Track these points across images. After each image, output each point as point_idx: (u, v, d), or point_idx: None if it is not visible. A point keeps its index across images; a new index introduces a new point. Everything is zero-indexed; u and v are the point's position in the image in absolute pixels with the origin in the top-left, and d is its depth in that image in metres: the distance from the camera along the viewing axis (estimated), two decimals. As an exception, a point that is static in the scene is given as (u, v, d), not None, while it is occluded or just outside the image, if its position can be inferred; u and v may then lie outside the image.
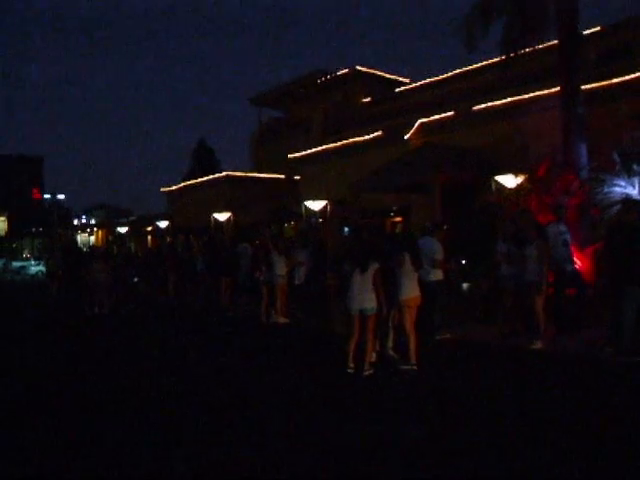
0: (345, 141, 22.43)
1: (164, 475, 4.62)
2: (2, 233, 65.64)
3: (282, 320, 12.48)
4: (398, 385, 7.12)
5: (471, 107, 17.50)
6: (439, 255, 9.43)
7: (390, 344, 8.36)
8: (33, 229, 63.38)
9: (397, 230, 19.74)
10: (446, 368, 7.89)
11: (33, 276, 37.86)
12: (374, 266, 7.43)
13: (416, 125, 18.85)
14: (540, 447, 4.81)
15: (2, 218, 67.12)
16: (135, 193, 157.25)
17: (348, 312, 7.65)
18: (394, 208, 20.07)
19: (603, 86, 14.26)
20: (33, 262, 42.95)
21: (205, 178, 31.35)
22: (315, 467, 4.61)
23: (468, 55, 14.27)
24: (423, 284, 8.65)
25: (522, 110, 15.77)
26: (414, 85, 24.91)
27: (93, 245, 44.02)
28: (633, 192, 10.77)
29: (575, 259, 10.06)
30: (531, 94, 15.75)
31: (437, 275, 9.50)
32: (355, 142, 21.80)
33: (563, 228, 9.66)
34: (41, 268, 37.28)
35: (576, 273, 9.91)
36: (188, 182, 33.43)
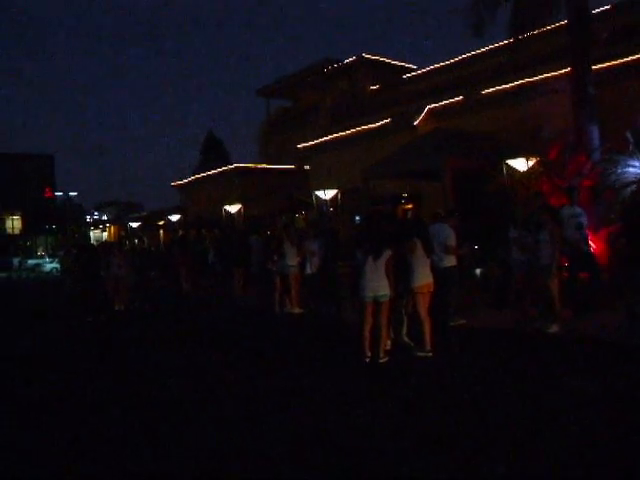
0: (354, 129, 22.35)
1: (176, 469, 4.64)
2: (16, 231, 66.14)
3: (296, 310, 12.51)
4: (414, 372, 7.10)
5: (480, 91, 17.35)
6: (452, 241, 9.37)
7: (404, 331, 8.35)
8: (47, 227, 63.81)
9: (408, 217, 19.70)
10: (461, 355, 7.85)
11: (48, 273, 38.20)
12: (387, 252, 7.42)
13: (425, 111, 18.75)
14: (561, 435, 4.77)
15: (16, 217, 67.59)
16: (146, 188, 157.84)
17: (361, 300, 7.63)
18: (404, 195, 19.98)
19: (614, 65, 14.09)
20: (47, 259, 43.32)
21: (215, 171, 31.40)
22: (329, 456, 4.62)
23: (476, 39, 14.04)
24: (436, 270, 8.60)
25: (532, 93, 15.60)
26: (422, 71, 24.72)
27: (105, 240, 44.26)
28: (647, 172, 10.65)
29: (590, 242, 9.97)
30: (541, 76, 15.59)
31: (450, 261, 9.44)
32: (364, 130, 21.71)
33: (578, 210, 9.56)
34: (55, 265, 37.61)
35: (591, 256, 9.82)
36: (198, 175, 33.50)
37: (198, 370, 7.94)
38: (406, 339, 8.23)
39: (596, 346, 7.74)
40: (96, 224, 61.76)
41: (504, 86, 16.64)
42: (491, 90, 16.96)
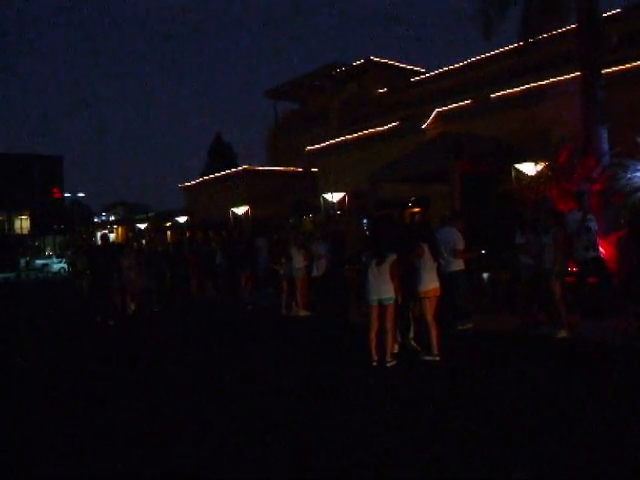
0: (362, 132, 22.32)
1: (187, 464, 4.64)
2: (25, 231, 66.44)
3: (302, 313, 12.49)
4: (421, 376, 7.07)
5: (488, 95, 17.29)
6: (460, 245, 9.35)
7: (412, 335, 8.32)
8: (55, 227, 64.07)
9: (415, 220, 19.66)
10: (469, 359, 7.81)
11: (56, 273, 38.37)
12: (391, 257, 7.43)
13: (433, 114, 18.69)
14: (568, 438, 4.74)
15: (24, 217, 67.91)
16: (153, 190, 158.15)
17: (367, 303, 7.65)
18: (412, 199, 19.93)
19: (624, 69, 13.99)
20: (55, 259, 43.52)
21: (222, 173, 31.43)
22: (334, 460, 4.59)
23: (485, 42, 13.99)
24: (444, 274, 8.59)
25: (541, 96, 15.54)
26: (430, 74, 24.68)
27: (113, 241, 44.34)
28: (657, 177, 10.57)
29: (599, 246, 9.90)
30: (550, 80, 15.51)
31: (458, 265, 9.42)
32: (372, 133, 21.69)
33: (586, 215, 9.50)
34: (63, 265, 37.79)
35: (600, 261, 9.76)
36: (206, 177, 33.54)
37: (203, 370, 7.94)
38: (413, 343, 8.21)
39: (604, 351, 7.69)
40: (104, 225, 61.90)
41: (513, 89, 16.57)
42: (500, 93, 16.89)
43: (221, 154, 48.03)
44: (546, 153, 12.85)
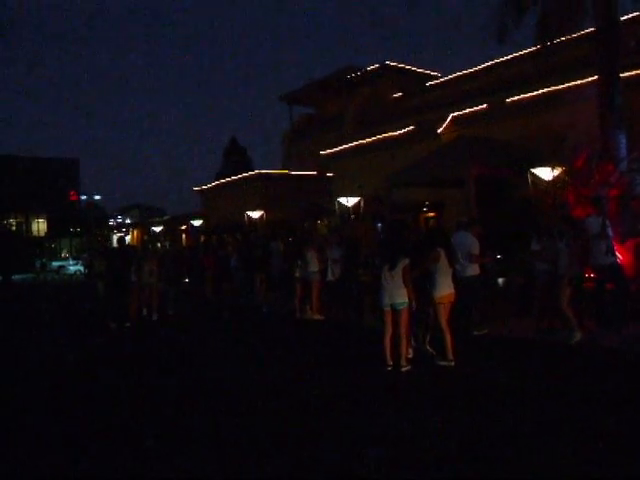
0: (377, 136, 22.32)
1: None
2: (42, 234, 67.10)
3: (316, 316, 12.51)
4: (435, 381, 7.04)
5: (504, 99, 17.24)
6: (475, 250, 9.31)
7: (427, 340, 8.30)
8: (71, 229, 64.63)
9: (430, 225, 19.61)
10: (484, 364, 7.77)
11: (72, 275, 38.67)
12: (404, 261, 7.43)
13: (449, 119, 18.66)
14: (581, 445, 4.70)
15: (42, 219, 68.59)
16: (168, 193, 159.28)
17: (380, 308, 7.67)
18: (427, 203, 19.90)
19: (642, 74, 13.88)
20: (71, 262, 43.88)
21: (238, 176, 31.56)
22: (346, 464, 4.59)
23: (500, 46, 13.96)
24: (460, 279, 8.56)
25: (558, 101, 15.46)
26: (445, 79, 24.64)
27: (129, 244, 44.67)
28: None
29: (616, 252, 9.82)
30: (567, 84, 15.43)
31: (473, 270, 9.38)
32: (387, 137, 21.68)
33: (604, 221, 9.42)
34: (79, 267, 38.08)
35: (617, 267, 9.67)
36: (221, 181, 33.70)
37: (217, 373, 7.97)
38: (429, 348, 8.18)
39: (619, 358, 7.63)
40: (119, 227, 62.34)
41: (529, 94, 16.51)
42: (516, 98, 16.83)
43: (236, 158, 48.20)
44: (563, 158, 12.78)
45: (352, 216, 22.10)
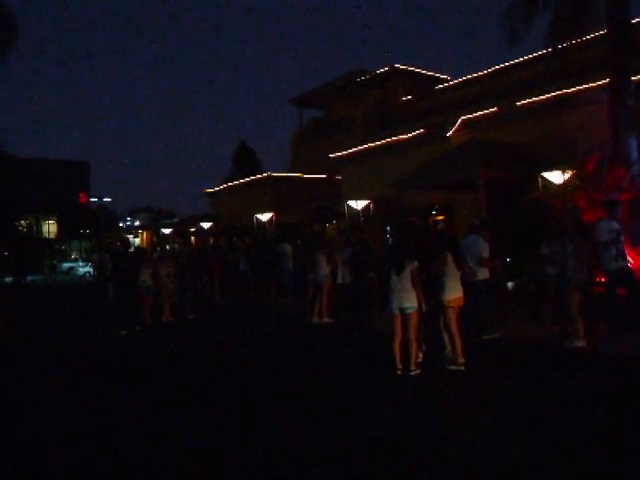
0: (387, 139, 22.30)
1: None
2: (52, 235, 67.49)
3: (326, 319, 12.50)
4: (443, 386, 7.01)
5: (515, 102, 17.17)
6: (485, 253, 9.26)
7: (449, 348, 8.13)
8: (81, 231, 64.98)
9: (439, 228, 19.56)
10: (494, 368, 7.72)
11: (81, 277, 38.84)
12: (412, 265, 7.40)
13: (458, 122, 18.61)
14: (589, 450, 4.67)
15: (52, 221, 69.01)
16: (178, 195, 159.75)
17: (389, 312, 7.64)
18: (436, 206, 19.87)
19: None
20: (81, 263, 44.07)
21: (247, 179, 31.63)
22: (354, 467, 4.58)
23: (510, 49, 13.96)
24: (469, 283, 8.52)
25: (569, 104, 15.38)
26: (455, 81, 24.60)
27: (138, 245, 44.87)
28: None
29: (628, 257, 9.76)
30: (578, 87, 15.35)
31: (483, 274, 9.34)
32: (397, 140, 21.65)
33: (615, 225, 9.37)
34: (89, 269, 38.25)
35: (629, 271, 9.61)
36: (230, 183, 33.77)
37: (228, 376, 7.98)
38: (449, 353, 8.01)
39: (630, 363, 7.56)
40: (129, 230, 62.66)
41: (540, 97, 16.43)
42: (526, 101, 16.76)
43: (246, 160, 48.31)
44: (574, 161, 12.72)
45: (361, 218, 22.09)
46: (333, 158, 25.20)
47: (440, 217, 20.34)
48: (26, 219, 67.83)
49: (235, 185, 32.44)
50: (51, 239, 65.97)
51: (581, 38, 13.30)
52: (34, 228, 67.41)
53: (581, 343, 8.37)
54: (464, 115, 18.58)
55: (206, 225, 32.37)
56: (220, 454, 5.03)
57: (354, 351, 9.43)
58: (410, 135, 21.03)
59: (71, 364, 9.50)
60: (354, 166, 23.72)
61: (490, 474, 4.35)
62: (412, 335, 7.41)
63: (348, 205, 22.17)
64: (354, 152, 24.01)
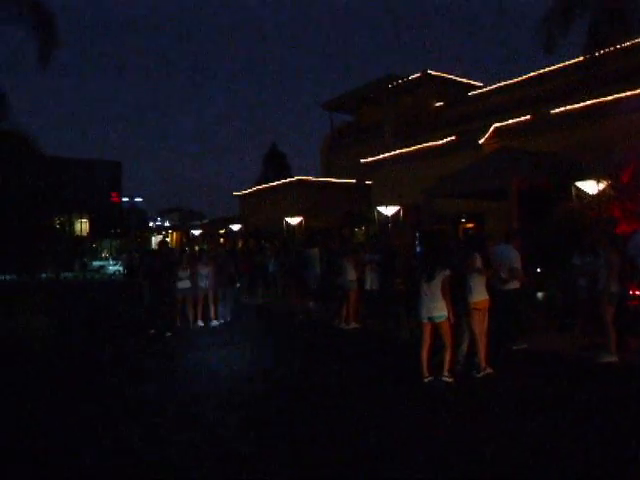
0: (418, 146, 22.19)
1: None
2: (84, 234, 68.62)
3: (353, 325, 12.48)
4: (467, 394, 6.95)
5: (548, 110, 16.95)
6: (517, 263, 9.14)
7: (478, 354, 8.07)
8: (112, 230, 65.96)
9: (469, 234, 19.38)
10: (520, 379, 7.61)
11: (111, 275, 39.39)
12: (444, 273, 7.33)
13: (491, 130, 18.44)
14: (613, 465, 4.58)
15: (84, 220, 70.19)
16: (207, 197, 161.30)
17: (418, 320, 7.59)
18: (464, 215, 19.73)
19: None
20: (111, 262, 44.71)
21: (277, 182, 31.76)
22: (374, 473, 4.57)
23: (546, 56, 13.78)
24: (499, 293, 8.44)
25: (604, 113, 15.13)
26: (488, 88, 24.38)
27: (165, 241, 45.19)
28: None
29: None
30: (614, 96, 15.09)
31: (514, 283, 9.22)
32: (428, 147, 21.53)
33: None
34: (118, 268, 38.81)
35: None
36: (260, 186, 33.96)
37: (254, 380, 8.02)
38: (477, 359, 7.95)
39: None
40: (159, 230, 63.40)
41: (575, 105, 16.19)
42: (561, 109, 16.53)
43: (276, 164, 48.56)
44: (609, 171, 12.50)
45: (389, 224, 22.01)
46: (363, 163, 25.16)
47: (470, 225, 20.18)
48: (60, 217, 69.16)
49: (265, 188, 32.60)
50: (83, 237, 67.08)
51: (619, 45, 13.08)
52: (67, 226, 68.66)
53: (613, 358, 8.22)
54: (497, 122, 18.42)
55: (235, 227, 32.60)
56: (255, 459, 5.07)
57: (380, 357, 9.40)
58: (442, 142, 20.91)
59: (109, 369, 9.65)
60: (384, 172, 23.66)
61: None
62: (446, 342, 7.37)
63: (378, 211, 22.11)
64: (385, 158, 23.95)
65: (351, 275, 12.51)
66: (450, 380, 7.26)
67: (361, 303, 12.87)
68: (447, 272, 7.35)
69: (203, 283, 13.28)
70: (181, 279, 12.94)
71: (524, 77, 21.92)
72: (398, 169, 22.69)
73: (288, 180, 30.85)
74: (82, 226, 70.05)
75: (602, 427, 5.59)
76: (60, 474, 4.91)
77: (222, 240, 36.43)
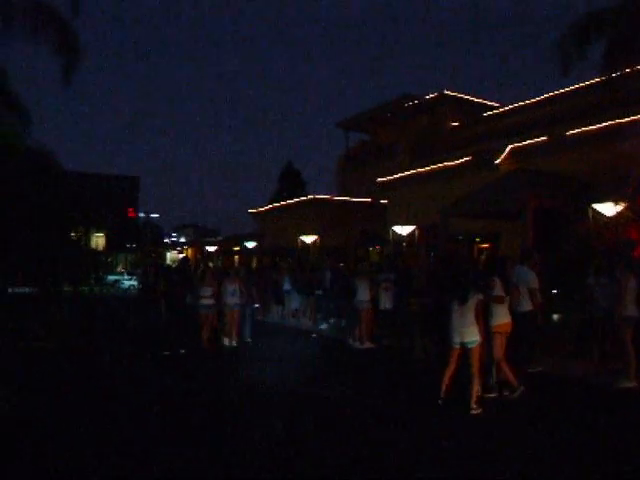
0: (434, 166, 22.21)
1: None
2: (100, 248, 69.14)
3: (367, 345, 12.45)
4: (484, 416, 6.89)
5: (565, 132, 16.93)
6: (535, 284, 9.05)
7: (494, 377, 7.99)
8: (127, 245, 66.42)
9: (483, 256, 19.32)
10: (536, 403, 7.53)
11: (126, 290, 39.63)
12: (477, 296, 7.13)
13: (507, 150, 18.44)
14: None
15: (100, 234, 70.76)
16: (223, 214, 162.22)
17: (449, 345, 7.31)
18: (478, 236, 19.67)
19: None
20: (126, 276, 44.98)
21: (292, 201, 31.89)
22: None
23: (563, 77, 13.74)
24: (516, 314, 8.37)
25: (621, 134, 15.07)
26: (504, 109, 24.41)
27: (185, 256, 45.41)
28: None
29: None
30: (631, 117, 15.05)
31: (529, 305, 9.16)
32: (444, 167, 21.55)
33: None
34: (133, 282, 39.03)
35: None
36: (275, 204, 34.12)
37: (267, 397, 8.02)
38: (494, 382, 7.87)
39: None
40: (174, 246, 63.77)
41: (591, 127, 16.15)
42: (578, 130, 16.50)
43: (291, 181, 48.80)
44: (627, 193, 12.44)
45: (404, 244, 21.99)
46: (379, 182, 25.21)
47: (484, 245, 20.12)
48: (77, 231, 69.81)
49: (280, 206, 32.75)
50: (99, 252, 67.60)
51: (636, 67, 13.07)
52: (83, 240, 69.28)
53: (632, 384, 8.10)
54: (513, 143, 18.41)
55: (250, 245, 32.71)
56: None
57: (394, 377, 9.36)
58: (458, 162, 20.93)
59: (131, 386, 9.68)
60: (400, 191, 23.68)
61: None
62: (475, 370, 7.02)
63: (393, 230, 22.11)
64: (400, 177, 23.99)
65: (364, 295, 12.50)
66: (478, 412, 6.93)
67: (375, 322, 12.84)
68: (480, 296, 7.18)
69: (231, 299, 12.70)
70: (205, 296, 12.58)
71: (540, 98, 21.91)
72: (413, 189, 22.70)
73: (303, 198, 30.97)
74: (98, 241, 70.64)
75: (618, 454, 5.52)
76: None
77: (237, 257, 36.56)
